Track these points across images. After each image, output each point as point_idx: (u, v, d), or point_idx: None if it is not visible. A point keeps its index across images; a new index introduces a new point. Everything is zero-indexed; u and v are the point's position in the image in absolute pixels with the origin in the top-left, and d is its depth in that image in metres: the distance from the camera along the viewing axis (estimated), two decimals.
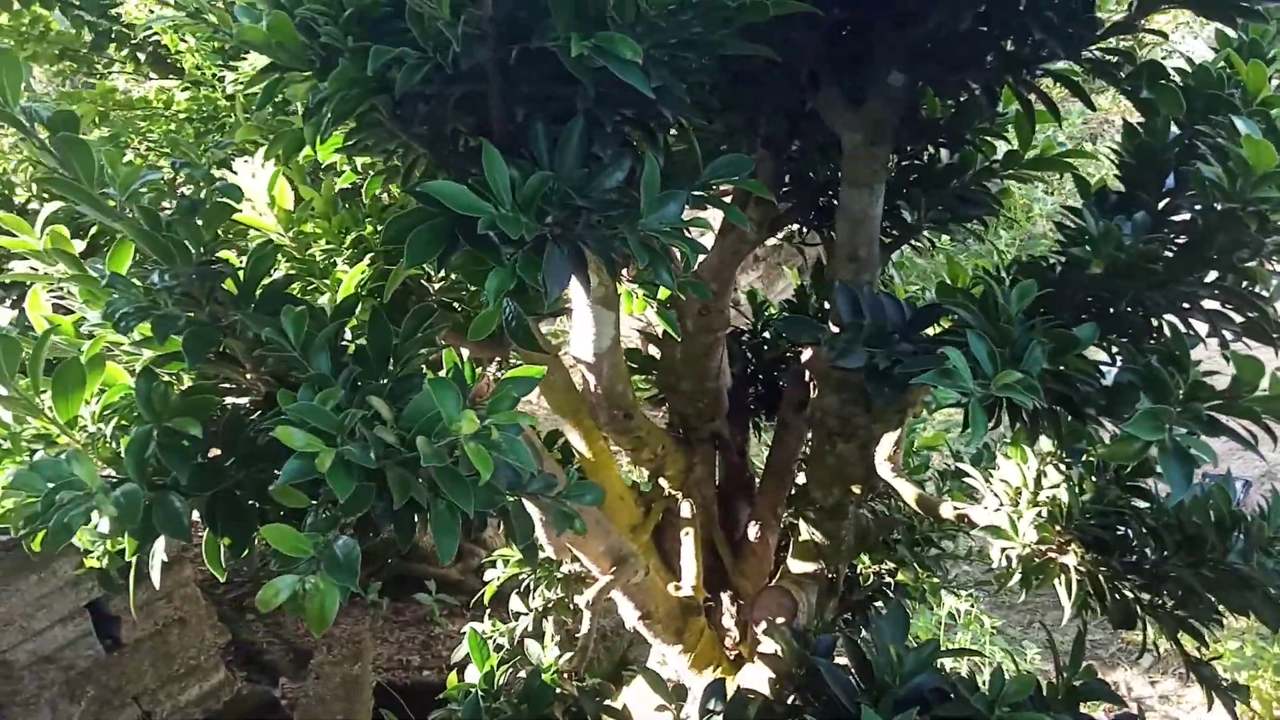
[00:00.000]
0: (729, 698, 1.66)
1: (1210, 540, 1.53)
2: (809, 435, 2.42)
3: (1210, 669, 1.71)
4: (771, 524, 2.63)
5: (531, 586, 2.80)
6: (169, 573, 3.42)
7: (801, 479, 2.47)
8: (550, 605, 2.73)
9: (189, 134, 3.77)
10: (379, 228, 2.04)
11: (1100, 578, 1.76)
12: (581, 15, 1.22)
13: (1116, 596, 1.76)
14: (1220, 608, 1.63)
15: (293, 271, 1.98)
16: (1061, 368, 1.31)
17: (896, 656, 1.45)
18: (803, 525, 2.30)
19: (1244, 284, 1.41)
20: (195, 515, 1.30)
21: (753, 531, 2.62)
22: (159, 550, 1.22)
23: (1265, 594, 1.52)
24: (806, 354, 2.21)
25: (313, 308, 1.40)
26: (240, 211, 1.73)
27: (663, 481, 2.58)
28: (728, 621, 2.67)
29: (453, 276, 1.95)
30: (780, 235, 2.34)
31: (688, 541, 2.57)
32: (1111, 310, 1.57)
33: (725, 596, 2.67)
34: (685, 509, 2.61)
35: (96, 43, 3.45)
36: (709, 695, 1.71)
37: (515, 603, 2.81)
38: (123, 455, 1.18)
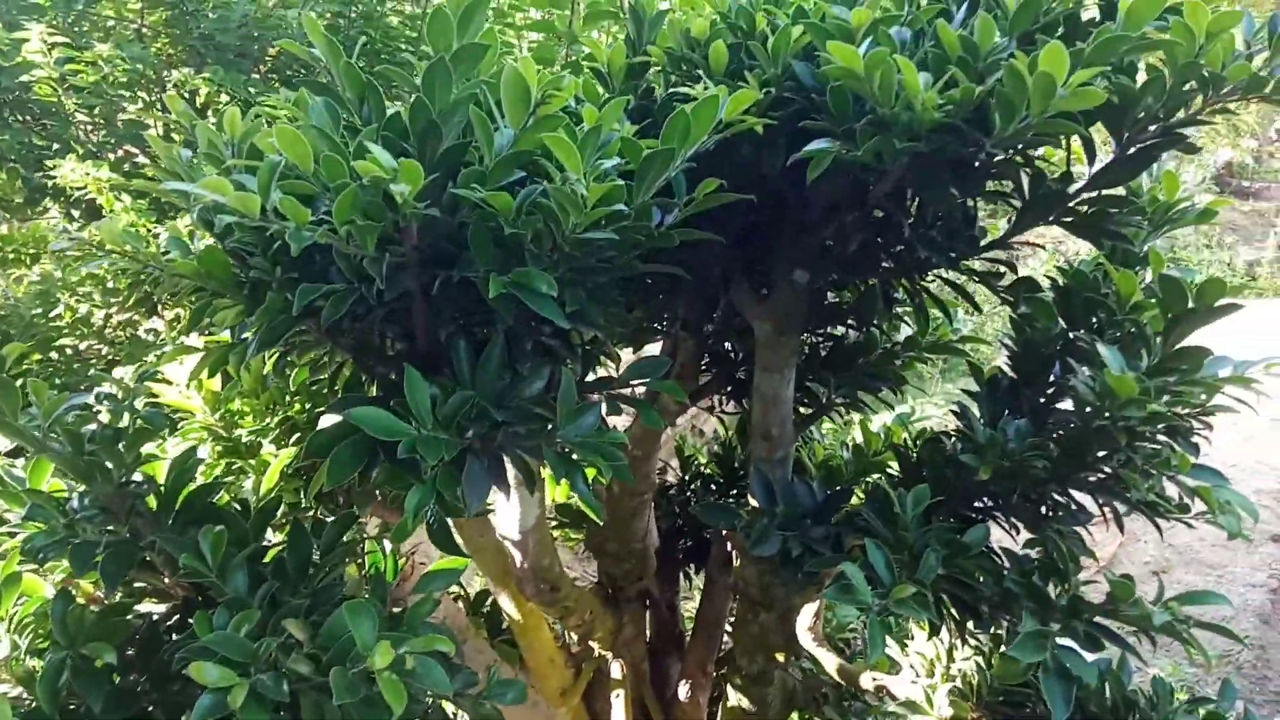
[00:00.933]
0: None
1: None
2: (734, 599, 2.46)
3: None
4: (701, 682, 2.64)
5: None
6: None
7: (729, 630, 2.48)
8: None
9: (122, 284, 3.79)
10: (306, 405, 2.07)
11: None
12: (500, 246, 1.30)
13: None
14: None
15: (219, 449, 2.00)
16: (957, 569, 1.38)
17: None
18: (730, 691, 2.32)
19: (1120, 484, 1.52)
20: None
21: (683, 691, 2.62)
22: None
23: None
24: None
25: (232, 515, 1.43)
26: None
27: (592, 642, 2.58)
28: None
29: None
30: (701, 405, 2.43)
31: (618, 704, 2.56)
32: (1008, 497, 1.67)
33: None
34: (615, 669, 2.60)
35: (31, 197, 3.48)
36: None
37: None
38: (36, 684, 1.17)
